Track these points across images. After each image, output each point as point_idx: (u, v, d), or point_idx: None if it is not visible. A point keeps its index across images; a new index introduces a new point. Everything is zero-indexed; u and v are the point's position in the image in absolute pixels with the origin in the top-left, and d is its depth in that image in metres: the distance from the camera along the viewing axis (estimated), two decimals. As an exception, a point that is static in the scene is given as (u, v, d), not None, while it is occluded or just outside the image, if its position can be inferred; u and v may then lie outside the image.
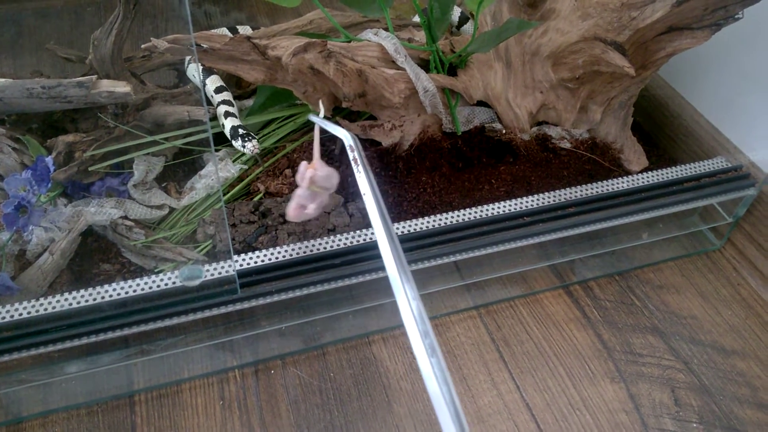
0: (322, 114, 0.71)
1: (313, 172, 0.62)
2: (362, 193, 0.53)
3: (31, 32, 1.09)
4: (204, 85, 0.82)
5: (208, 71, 0.83)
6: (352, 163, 0.57)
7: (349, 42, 0.78)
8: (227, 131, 0.77)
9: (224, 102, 0.80)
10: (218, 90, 0.82)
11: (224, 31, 0.93)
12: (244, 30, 0.93)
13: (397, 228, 0.72)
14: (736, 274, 0.89)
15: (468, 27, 0.97)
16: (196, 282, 0.63)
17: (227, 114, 0.78)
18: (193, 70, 0.84)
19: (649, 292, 0.85)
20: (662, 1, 0.73)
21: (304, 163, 0.63)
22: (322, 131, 0.67)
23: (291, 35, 0.79)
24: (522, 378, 0.74)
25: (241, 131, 0.75)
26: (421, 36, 0.86)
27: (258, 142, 0.75)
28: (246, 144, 0.74)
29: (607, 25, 0.76)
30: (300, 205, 0.64)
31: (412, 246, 0.72)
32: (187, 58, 0.85)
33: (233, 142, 0.75)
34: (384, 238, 0.47)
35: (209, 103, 0.83)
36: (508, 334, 0.79)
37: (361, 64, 0.75)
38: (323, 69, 0.71)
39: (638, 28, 0.75)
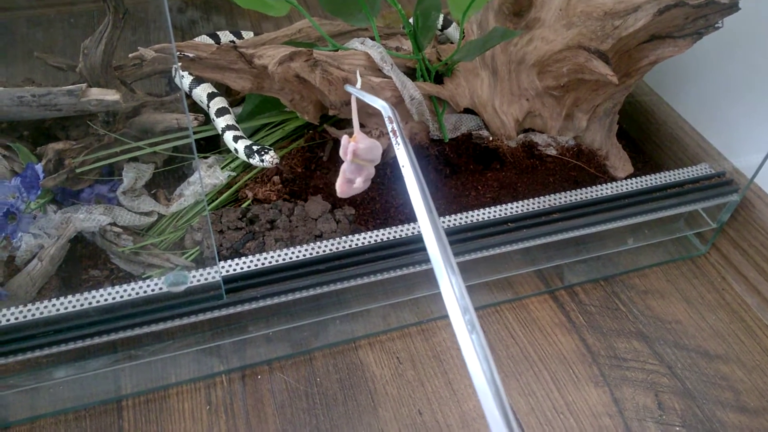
0: (359, 84, 0.71)
1: (356, 145, 0.61)
2: (401, 165, 0.51)
3: (23, 40, 1.10)
4: (208, 107, 0.82)
5: (211, 95, 0.82)
6: (390, 134, 0.56)
7: (336, 51, 0.79)
8: (242, 154, 0.75)
9: (230, 127, 0.78)
10: (220, 112, 0.80)
11: (204, 38, 0.95)
12: (202, 38, 0.94)
13: (383, 234, 0.73)
14: (721, 279, 0.90)
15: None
16: (182, 288, 0.64)
17: (236, 138, 0.77)
18: (201, 93, 0.83)
19: (634, 297, 0.86)
20: (644, 10, 0.74)
21: (345, 137, 0.62)
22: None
23: (278, 44, 0.80)
24: (507, 382, 0.75)
25: (255, 147, 0.74)
26: (409, 44, 0.87)
27: (275, 152, 0.74)
28: (264, 157, 0.73)
29: (591, 34, 0.78)
30: (347, 180, 0.63)
31: (398, 251, 0.72)
32: (189, 79, 0.83)
33: (251, 160, 0.74)
34: (422, 210, 0.46)
35: (200, 112, 0.84)
36: (493, 339, 0.79)
37: (348, 72, 0.76)
38: (309, 77, 0.72)
39: (621, 37, 0.76)
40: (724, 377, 0.78)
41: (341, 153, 0.63)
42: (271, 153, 0.74)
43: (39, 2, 1.18)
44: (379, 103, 0.62)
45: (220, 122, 0.79)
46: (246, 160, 0.75)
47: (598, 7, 0.78)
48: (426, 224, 0.45)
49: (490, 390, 0.35)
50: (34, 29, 1.13)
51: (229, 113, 0.80)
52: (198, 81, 0.83)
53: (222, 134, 0.79)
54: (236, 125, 0.79)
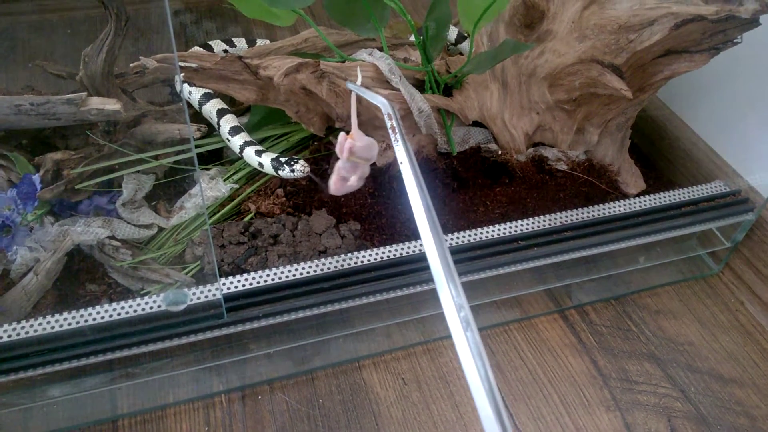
0: (359, 81, 0.70)
1: (352, 142, 0.61)
2: (399, 162, 0.52)
3: (24, 46, 1.09)
4: (218, 126, 0.80)
5: (221, 112, 0.80)
6: (390, 131, 0.56)
7: (343, 62, 0.77)
8: (268, 168, 0.73)
9: (248, 143, 0.76)
10: (234, 131, 0.77)
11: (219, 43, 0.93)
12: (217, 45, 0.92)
13: (389, 251, 0.71)
14: (735, 299, 0.87)
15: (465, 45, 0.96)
16: (181, 307, 0.61)
17: (259, 152, 0.75)
18: (210, 109, 0.80)
19: (646, 317, 0.84)
20: (660, 24, 0.72)
21: (342, 134, 0.61)
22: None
23: (284, 54, 0.78)
24: (515, 406, 0.73)
25: (282, 159, 0.72)
26: (417, 55, 0.85)
27: (304, 160, 0.72)
28: (295, 167, 0.71)
29: (605, 48, 0.76)
30: (342, 178, 0.63)
31: (404, 270, 0.70)
32: (199, 94, 0.82)
33: (280, 173, 0.72)
34: (420, 206, 0.47)
35: (202, 122, 0.82)
36: (501, 360, 0.77)
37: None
38: (316, 89, 0.70)
39: (636, 51, 0.74)
40: (739, 402, 0.75)
41: (337, 150, 0.62)
42: (301, 162, 0.72)
43: (41, 7, 1.16)
44: (379, 100, 0.61)
45: (237, 140, 0.76)
46: (274, 173, 0.73)
47: (612, 20, 0.76)
48: (423, 219, 0.46)
49: (484, 387, 0.36)
50: (37, 35, 1.11)
51: (243, 130, 0.78)
52: (207, 97, 0.80)
53: (241, 152, 0.76)
54: (254, 140, 0.77)
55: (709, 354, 0.80)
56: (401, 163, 0.52)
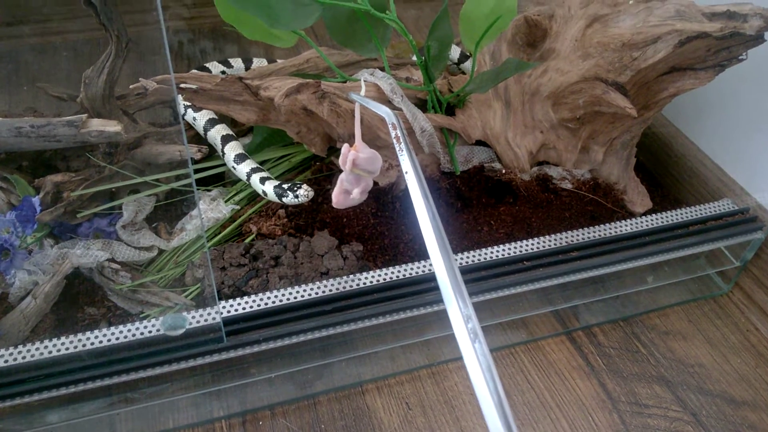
0: (363, 92, 0.70)
1: (356, 154, 0.60)
2: (404, 171, 0.51)
3: (27, 68, 1.09)
4: (223, 154, 0.79)
5: (225, 138, 0.79)
6: (394, 141, 0.55)
7: (345, 82, 0.76)
8: (272, 195, 0.73)
9: (254, 170, 0.76)
10: (239, 158, 0.77)
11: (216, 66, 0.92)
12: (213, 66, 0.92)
13: (393, 272, 0.70)
14: (745, 319, 0.86)
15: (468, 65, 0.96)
16: (180, 331, 0.60)
17: (263, 179, 0.74)
18: (215, 135, 0.80)
19: (655, 338, 0.82)
20: (664, 41, 0.72)
21: (346, 146, 0.61)
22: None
23: (285, 75, 0.78)
24: (523, 430, 0.71)
25: (285, 186, 0.72)
26: (419, 75, 0.85)
27: (307, 185, 0.72)
28: (298, 192, 0.70)
29: (608, 66, 0.75)
30: (344, 191, 0.62)
31: (408, 291, 0.69)
32: (203, 120, 0.82)
33: (284, 200, 0.72)
34: (425, 215, 0.47)
35: (203, 143, 0.81)
36: (508, 384, 0.76)
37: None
38: (317, 110, 0.70)
39: (640, 69, 0.74)
40: (752, 426, 0.73)
41: (340, 162, 0.61)
42: (304, 187, 0.71)
43: (43, 30, 1.16)
44: (383, 110, 0.61)
45: (244, 167, 0.76)
46: (278, 200, 0.72)
47: (615, 37, 0.75)
48: (429, 230, 0.45)
49: (493, 400, 0.35)
50: (38, 57, 1.11)
51: (249, 157, 0.77)
52: (212, 122, 0.80)
53: (248, 179, 0.76)
54: (260, 167, 0.76)
55: (720, 376, 0.79)
56: (406, 172, 0.52)
